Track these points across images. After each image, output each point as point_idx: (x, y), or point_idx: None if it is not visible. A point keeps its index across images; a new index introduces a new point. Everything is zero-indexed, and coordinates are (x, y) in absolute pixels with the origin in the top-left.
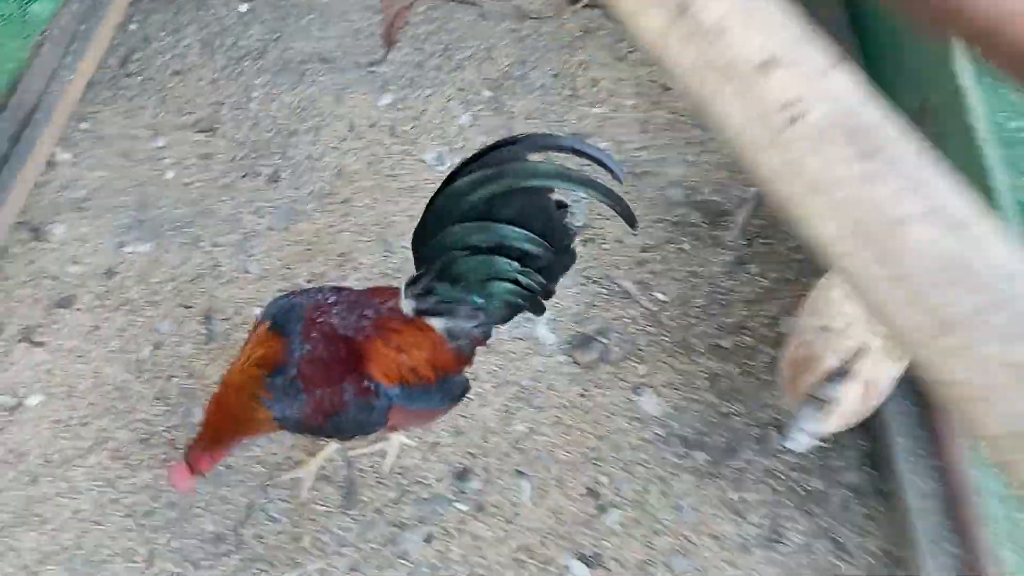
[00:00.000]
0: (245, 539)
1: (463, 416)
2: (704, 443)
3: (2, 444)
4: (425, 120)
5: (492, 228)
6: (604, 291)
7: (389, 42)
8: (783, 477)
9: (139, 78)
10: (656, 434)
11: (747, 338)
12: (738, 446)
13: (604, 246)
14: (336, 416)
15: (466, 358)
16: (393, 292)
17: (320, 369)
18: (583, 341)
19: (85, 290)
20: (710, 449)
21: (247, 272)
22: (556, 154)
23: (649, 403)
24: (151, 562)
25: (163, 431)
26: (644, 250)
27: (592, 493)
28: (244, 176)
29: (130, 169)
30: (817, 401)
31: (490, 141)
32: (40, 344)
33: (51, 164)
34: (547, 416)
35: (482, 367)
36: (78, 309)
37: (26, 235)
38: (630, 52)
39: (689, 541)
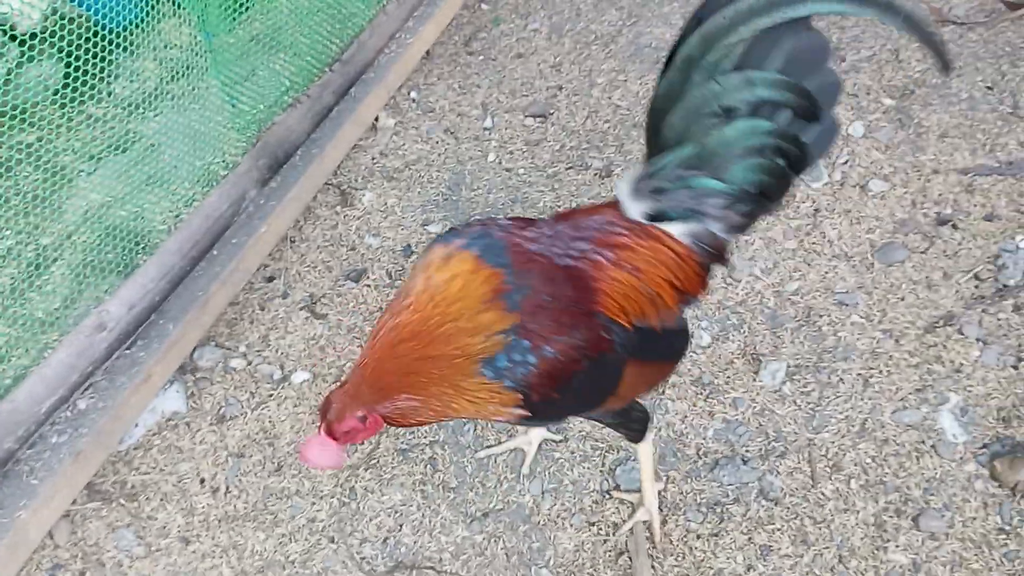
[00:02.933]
0: None
1: (812, 518)
2: None
3: (257, 420)
4: None
5: (758, 80)
6: None
7: None
8: None
9: (480, 57)
10: None
11: None
12: None
13: None
14: (568, 383)
15: (707, 275)
16: (604, 205)
17: (546, 320)
18: (1012, 449)
19: (378, 265)
20: None
21: None
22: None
23: None
24: None
25: (426, 444)
26: None
27: None
28: (571, 168)
29: (452, 146)
30: None
31: (886, 157)
32: (321, 316)
33: (373, 128)
34: (942, 551)
35: (848, 454)
36: (367, 285)
37: (333, 198)
38: None
39: None
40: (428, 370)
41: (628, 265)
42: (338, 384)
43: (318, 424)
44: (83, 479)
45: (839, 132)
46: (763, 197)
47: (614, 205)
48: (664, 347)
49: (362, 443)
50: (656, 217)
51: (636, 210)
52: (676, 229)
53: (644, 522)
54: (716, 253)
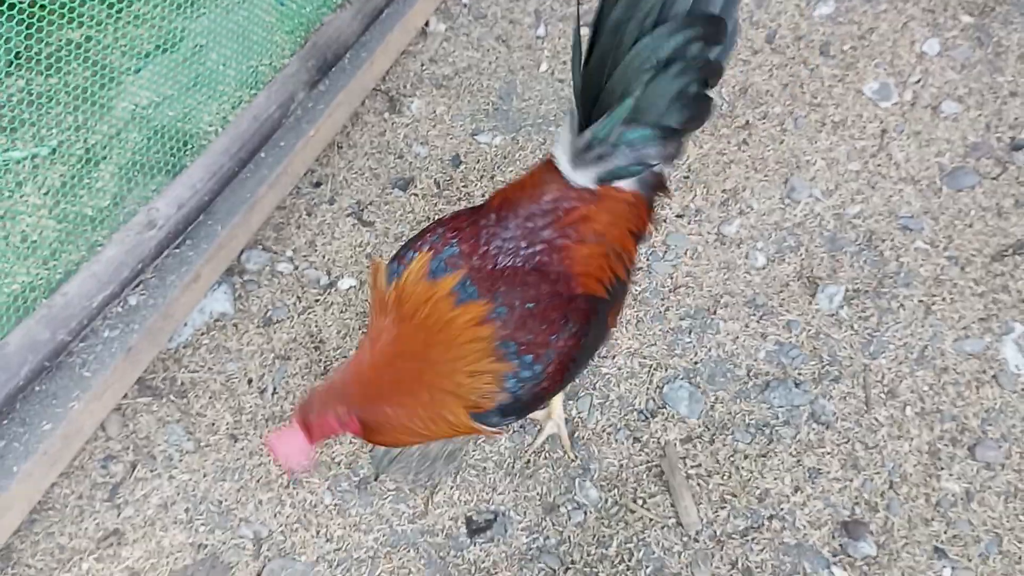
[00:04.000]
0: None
1: (863, 443)
2: None
3: (303, 324)
4: (872, 41)
5: (681, 26)
6: None
7: None
8: None
9: None
10: None
11: None
12: None
13: None
14: (573, 362)
15: (652, 207)
16: (542, 174)
17: (538, 326)
18: None
19: (426, 175)
20: None
21: None
22: None
23: None
24: (426, 511)
25: None
26: None
27: None
28: None
29: (504, 55)
30: None
31: (960, 77)
32: (368, 224)
33: (423, 33)
34: (998, 481)
35: (904, 381)
36: (414, 194)
37: (382, 104)
38: None
39: None
40: (421, 395)
41: (592, 236)
42: (323, 382)
43: (293, 416)
44: (134, 374)
45: (740, 32)
46: (691, 123)
47: (552, 170)
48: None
49: (324, 444)
50: (603, 178)
51: (583, 178)
52: (624, 182)
53: (554, 435)
54: (659, 186)
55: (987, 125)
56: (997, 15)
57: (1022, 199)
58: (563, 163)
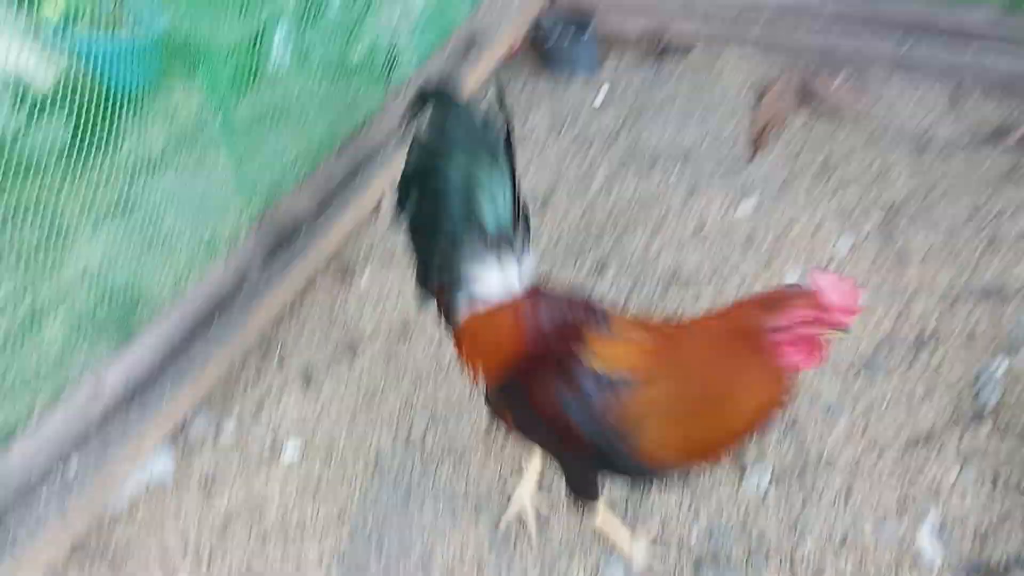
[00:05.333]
0: None
1: None
2: None
3: (246, 490)
4: (792, 236)
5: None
6: None
7: (758, 144)
8: None
9: None
10: None
11: None
12: None
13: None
14: None
15: None
16: (497, 316)
17: None
18: (988, 572)
19: (374, 340)
20: None
21: None
22: None
23: None
24: None
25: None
26: None
27: None
28: (565, 260)
29: None
30: None
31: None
32: (316, 388)
33: (377, 210)
34: None
35: (828, 563)
36: (361, 360)
37: (334, 274)
38: None
39: None
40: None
41: None
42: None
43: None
44: (68, 539)
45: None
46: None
47: (505, 310)
48: None
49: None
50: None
51: (523, 283)
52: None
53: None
54: None
55: (896, 318)
56: (904, 214)
57: (930, 390)
58: (512, 282)
